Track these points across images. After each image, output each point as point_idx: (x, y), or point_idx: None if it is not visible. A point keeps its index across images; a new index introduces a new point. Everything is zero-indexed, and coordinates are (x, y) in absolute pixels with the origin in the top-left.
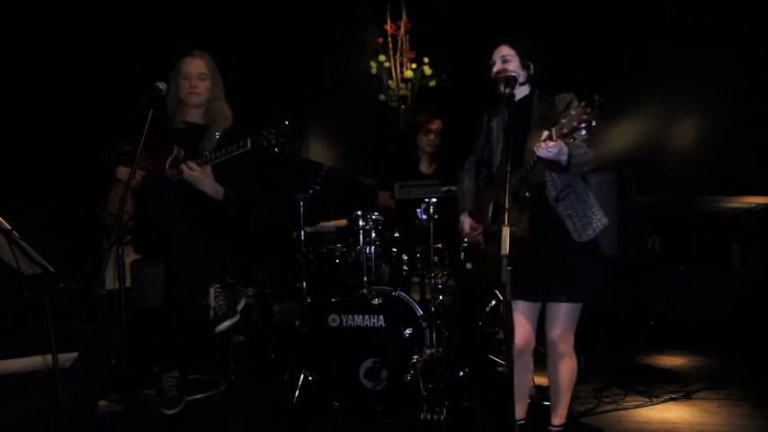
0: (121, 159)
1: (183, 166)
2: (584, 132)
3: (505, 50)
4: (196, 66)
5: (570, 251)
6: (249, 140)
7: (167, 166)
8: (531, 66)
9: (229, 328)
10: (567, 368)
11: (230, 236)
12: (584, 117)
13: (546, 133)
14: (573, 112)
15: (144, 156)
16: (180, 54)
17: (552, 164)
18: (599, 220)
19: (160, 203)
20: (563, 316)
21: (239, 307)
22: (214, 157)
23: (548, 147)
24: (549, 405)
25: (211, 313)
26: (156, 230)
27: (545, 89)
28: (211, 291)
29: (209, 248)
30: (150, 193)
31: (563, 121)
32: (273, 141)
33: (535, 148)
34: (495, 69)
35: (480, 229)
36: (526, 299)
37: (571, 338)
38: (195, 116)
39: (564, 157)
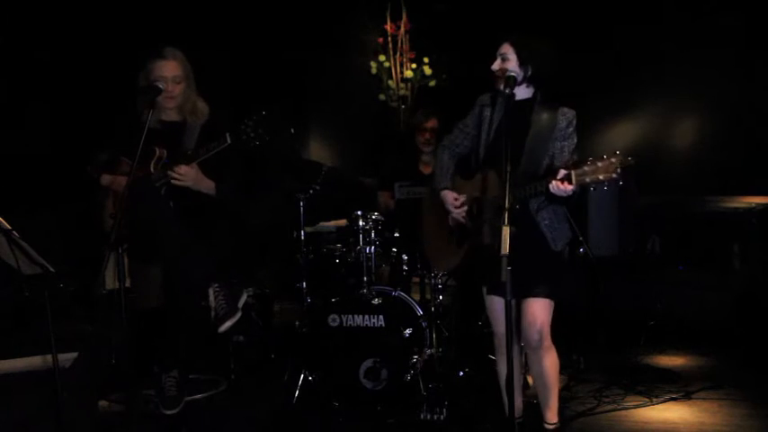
0: (103, 168)
1: (171, 173)
2: (606, 187)
3: (505, 48)
4: (170, 69)
5: (547, 256)
6: (228, 135)
7: (152, 169)
8: (529, 66)
9: (231, 327)
10: (549, 362)
11: (226, 234)
12: (614, 176)
13: (563, 172)
14: (599, 164)
15: (127, 161)
16: (150, 53)
17: (554, 197)
18: (566, 232)
19: (149, 210)
20: (539, 312)
21: (240, 304)
22: (196, 155)
23: (565, 188)
24: (540, 403)
25: (212, 314)
26: (150, 236)
27: (547, 92)
28: (210, 291)
29: (205, 248)
30: (138, 201)
31: (586, 168)
32: (252, 134)
33: (549, 186)
34: (493, 66)
35: (461, 201)
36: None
37: (548, 333)
38: (171, 114)
39: (570, 194)
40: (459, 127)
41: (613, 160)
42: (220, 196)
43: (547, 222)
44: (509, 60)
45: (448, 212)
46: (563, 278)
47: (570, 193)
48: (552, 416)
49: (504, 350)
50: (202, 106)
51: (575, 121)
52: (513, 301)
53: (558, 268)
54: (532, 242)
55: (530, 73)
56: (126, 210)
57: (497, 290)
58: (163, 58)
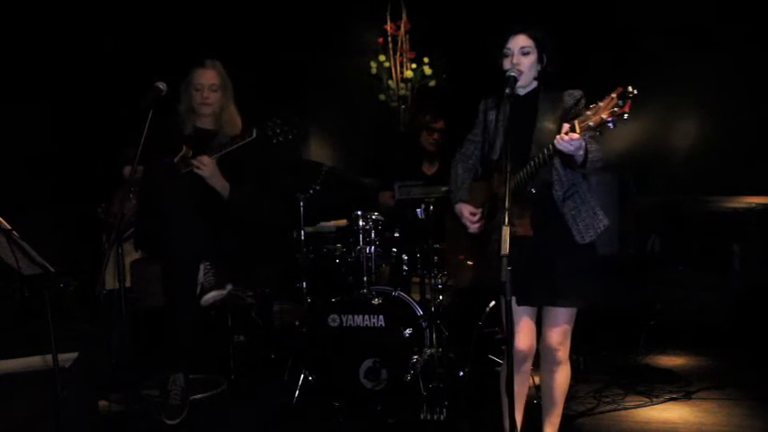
0: (128, 161)
1: (195, 161)
2: (611, 126)
3: (524, 41)
4: (208, 77)
5: (572, 253)
6: (255, 130)
7: (175, 163)
8: (545, 59)
9: (216, 303)
10: (563, 376)
11: (233, 235)
12: (615, 110)
13: (567, 126)
14: (600, 104)
15: (154, 157)
16: (191, 63)
17: (568, 159)
18: (601, 221)
19: (165, 185)
20: (564, 321)
21: (227, 287)
22: (220, 148)
23: (571, 140)
24: (542, 417)
25: (198, 288)
26: (157, 214)
27: (551, 84)
28: (201, 267)
29: (208, 233)
30: (156, 177)
31: (587, 113)
32: (278, 130)
33: (555, 142)
34: (513, 61)
35: (479, 215)
36: (531, 303)
37: (569, 344)
38: (206, 122)
39: (581, 152)
40: (469, 138)
41: (613, 95)
42: (230, 198)
43: (574, 213)
44: (530, 54)
45: (465, 227)
46: (591, 279)
47: (578, 145)
48: (551, 429)
49: (519, 366)
50: (237, 119)
51: (583, 100)
52: (534, 308)
53: (586, 267)
54: (556, 237)
55: (545, 65)
56: (138, 196)
57: (523, 298)
58: (202, 66)
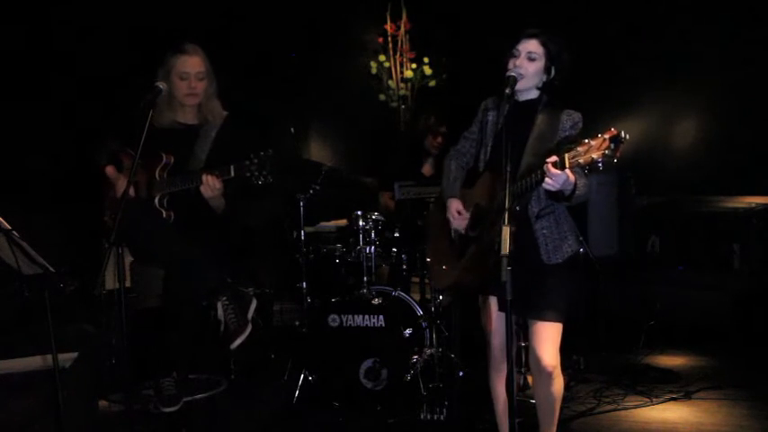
0: (110, 158)
1: (205, 177)
2: (600, 167)
3: (534, 47)
4: (194, 65)
5: (539, 271)
6: (232, 168)
7: (157, 176)
8: (553, 69)
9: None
10: (557, 389)
11: (228, 240)
12: (607, 153)
13: (555, 158)
14: (592, 143)
15: (133, 156)
16: (171, 49)
17: (553, 193)
18: (570, 246)
19: (144, 236)
20: (543, 334)
21: (249, 315)
22: (225, 172)
23: (557, 177)
24: (539, 425)
25: (222, 327)
26: (150, 250)
27: (554, 95)
28: (219, 305)
29: (209, 260)
30: (133, 226)
31: (579, 149)
32: (256, 173)
33: (544, 181)
34: (517, 63)
35: (465, 215)
36: (499, 308)
37: (557, 356)
38: (189, 115)
39: (570, 187)
40: (464, 135)
41: (606, 137)
42: (223, 214)
43: (545, 232)
44: (536, 60)
45: (448, 221)
46: (557, 298)
47: (565, 180)
48: None
49: (499, 366)
50: (220, 109)
51: (580, 124)
52: (518, 319)
53: (551, 286)
54: (527, 254)
55: (551, 77)
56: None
57: (502, 307)
58: (185, 53)
